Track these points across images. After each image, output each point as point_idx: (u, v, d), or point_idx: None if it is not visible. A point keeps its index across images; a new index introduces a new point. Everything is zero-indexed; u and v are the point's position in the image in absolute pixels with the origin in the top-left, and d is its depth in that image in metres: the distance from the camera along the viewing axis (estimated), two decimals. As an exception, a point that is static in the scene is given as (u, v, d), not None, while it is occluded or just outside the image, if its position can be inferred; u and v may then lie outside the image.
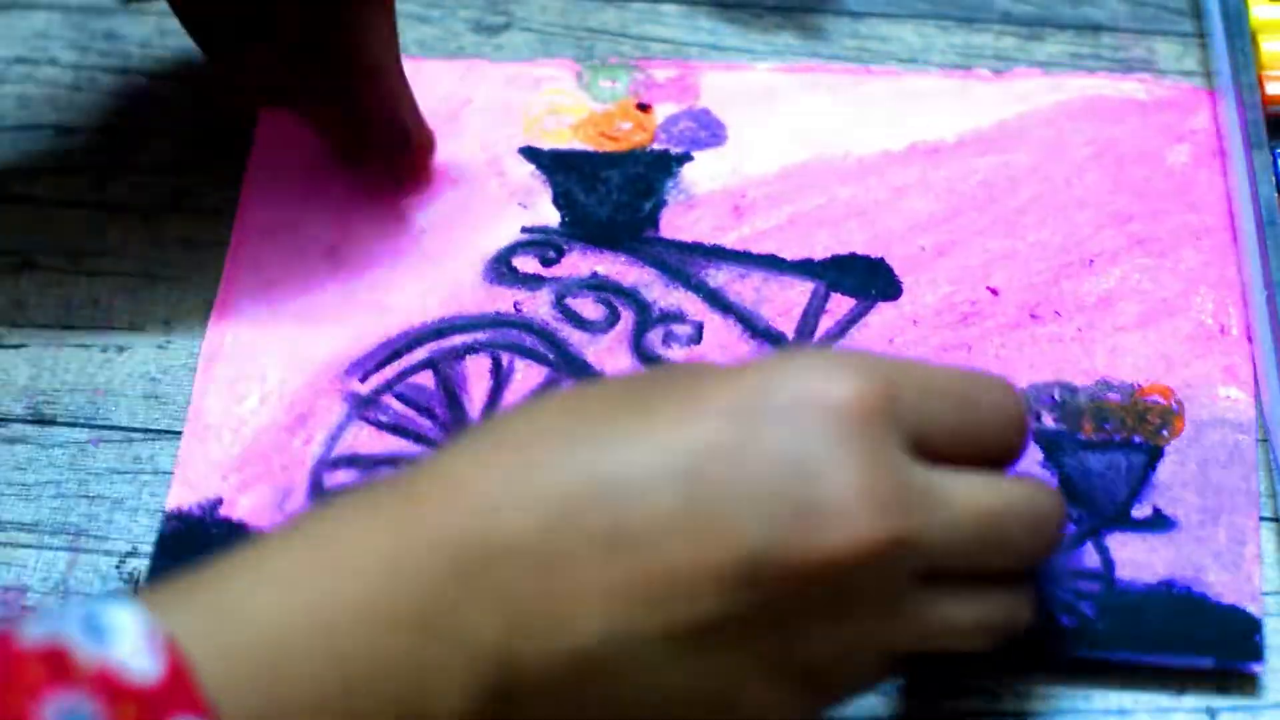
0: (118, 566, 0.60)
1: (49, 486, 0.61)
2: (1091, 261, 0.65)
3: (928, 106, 0.68)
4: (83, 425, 0.63)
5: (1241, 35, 0.66)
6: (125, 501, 0.61)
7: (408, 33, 0.69)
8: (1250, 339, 0.63)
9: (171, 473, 0.61)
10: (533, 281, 0.65)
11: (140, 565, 0.60)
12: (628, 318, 0.64)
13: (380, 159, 0.65)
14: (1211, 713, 0.57)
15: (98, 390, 0.63)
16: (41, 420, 0.63)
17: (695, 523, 0.46)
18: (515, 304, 0.64)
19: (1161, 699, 0.57)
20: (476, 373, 0.63)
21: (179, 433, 0.62)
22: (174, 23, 0.69)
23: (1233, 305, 0.64)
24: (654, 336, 0.63)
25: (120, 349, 0.64)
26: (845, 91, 0.69)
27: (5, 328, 0.65)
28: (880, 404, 0.48)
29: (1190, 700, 0.57)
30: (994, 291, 0.64)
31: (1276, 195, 0.62)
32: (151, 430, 0.62)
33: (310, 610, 0.44)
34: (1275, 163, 0.63)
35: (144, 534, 0.60)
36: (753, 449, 0.47)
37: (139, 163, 0.68)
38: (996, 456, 0.52)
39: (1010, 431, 0.52)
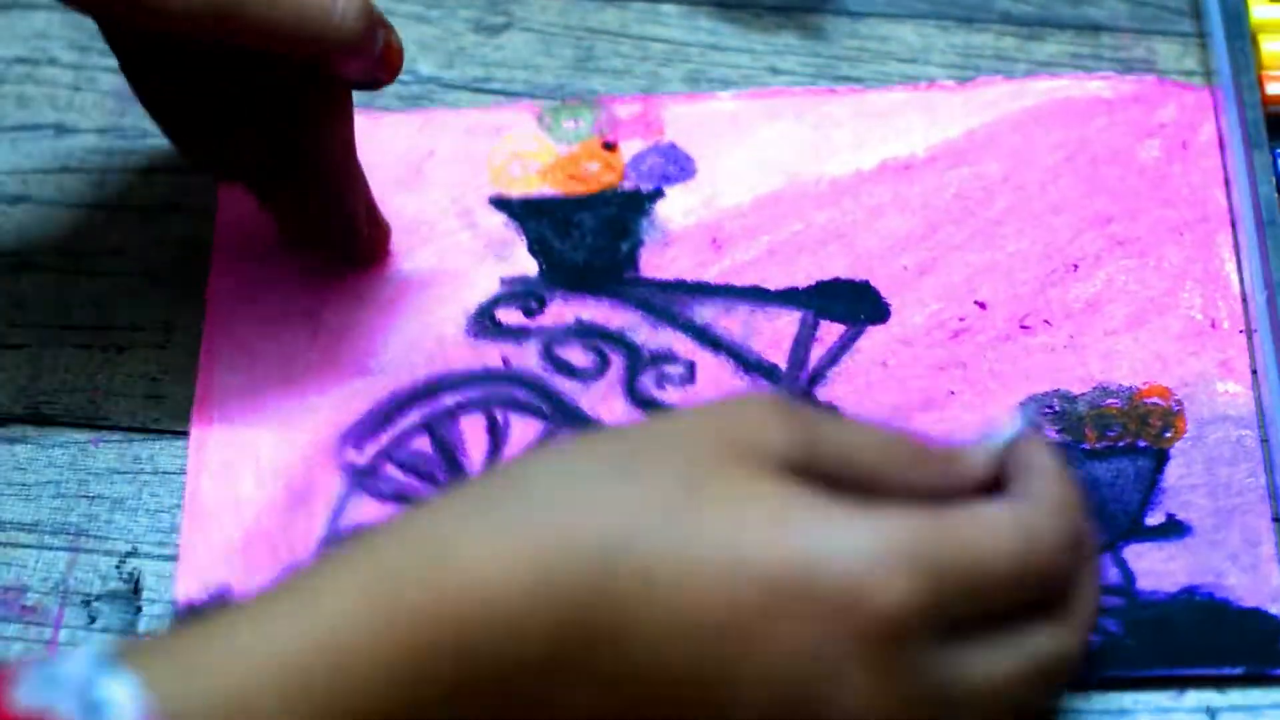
0: (118, 566, 0.60)
1: (49, 486, 0.62)
2: (1075, 267, 0.65)
3: (895, 123, 0.68)
4: (83, 425, 0.63)
5: (1241, 35, 0.66)
6: (125, 501, 0.61)
7: (408, 32, 0.69)
8: (1242, 331, 0.63)
9: (171, 472, 0.61)
10: (518, 334, 0.64)
11: (140, 565, 0.60)
12: (618, 363, 0.63)
13: (334, 249, 0.64)
14: (1211, 713, 0.57)
15: (98, 390, 0.63)
16: (41, 420, 0.63)
17: (699, 691, 0.45)
18: (503, 358, 0.63)
19: (1161, 699, 0.57)
20: (472, 432, 0.62)
21: (179, 432, 0.62)
22: None
23: (1221, 299, 0.64)
24: (647, 380, 0.63)
25: (120, 349, 0.64)
26: (810, 114, 0.68)
27: (5, 328, 0.65)
28: (918, 619, 0.45)
29: (1190, 700, 0.57)
30: (982, 305, 0.64)
31: (1276, 195, 0.62)
32: (151, 430, 0.62)
33: (286, 682, 0.43)
34: (1275, 163, 0.63)
35: (144, 534, 0.61)
36: (775, 638, 0.45)
37: (139, 163, 0.68)
38: None
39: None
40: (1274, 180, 0.63)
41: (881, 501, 0.47)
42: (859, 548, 0.45)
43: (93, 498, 0.61)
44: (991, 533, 0.47)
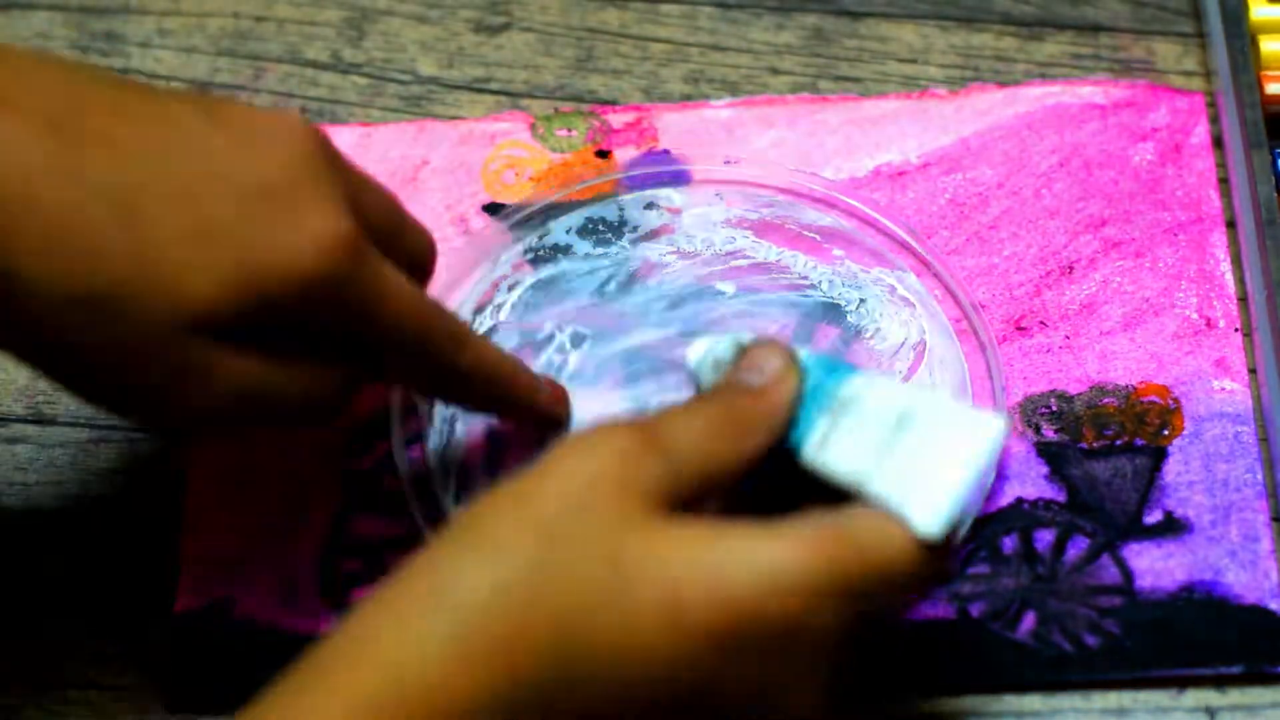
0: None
1: (49, 486, 0.61)
2: (1071, 269, 0.65)
3: (888, 130, 0.68)
4: (83, 425, 0.63)
5: (1241, 35, 0.66)
6: (125, 502, 0.61)
7: (408, 33, 0.70)
8: (1237, 330, 0.63)
9: (171, 473, 0.62)
10: (514, 340, 0.64)
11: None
12: (616, 367, 0.63)
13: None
14: (1211, 712, 0.57)
15: None
16: (41, 420, 0.63)
17: None
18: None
19: (1161, 699, 0.58)
20: (471, 440, 0.62)
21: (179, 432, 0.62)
22: (174, 22, 0.70)
23: (1216, 298, 0.64)
24: (648, 384, 0.63)
25: None
26: (803, 121, 0.68)
27: None
28: (847, 634, 0.49)
29: (1190, 700, 0.58)
30: (979, 307, 0.64)
31: (1276, 195, 0.62)
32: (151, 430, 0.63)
33: None
34: (1275, 163, 0.63)
35: (143, 533, 0.61)
36: (730, 682, 0.47)
37: None
38: None
39: None
40: (1274, 180, 0.63)
41: (778, 523, 0.49)
42: (789, 586, 0.48)
43: (93, 498, 0.61)
44: (908, 555, 0.49)
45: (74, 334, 0.48)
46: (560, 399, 0.61)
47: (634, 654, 0.46)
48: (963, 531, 0.55)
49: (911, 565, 0.49)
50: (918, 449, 0.50)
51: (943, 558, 0.50)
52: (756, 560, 0.47)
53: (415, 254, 0.56)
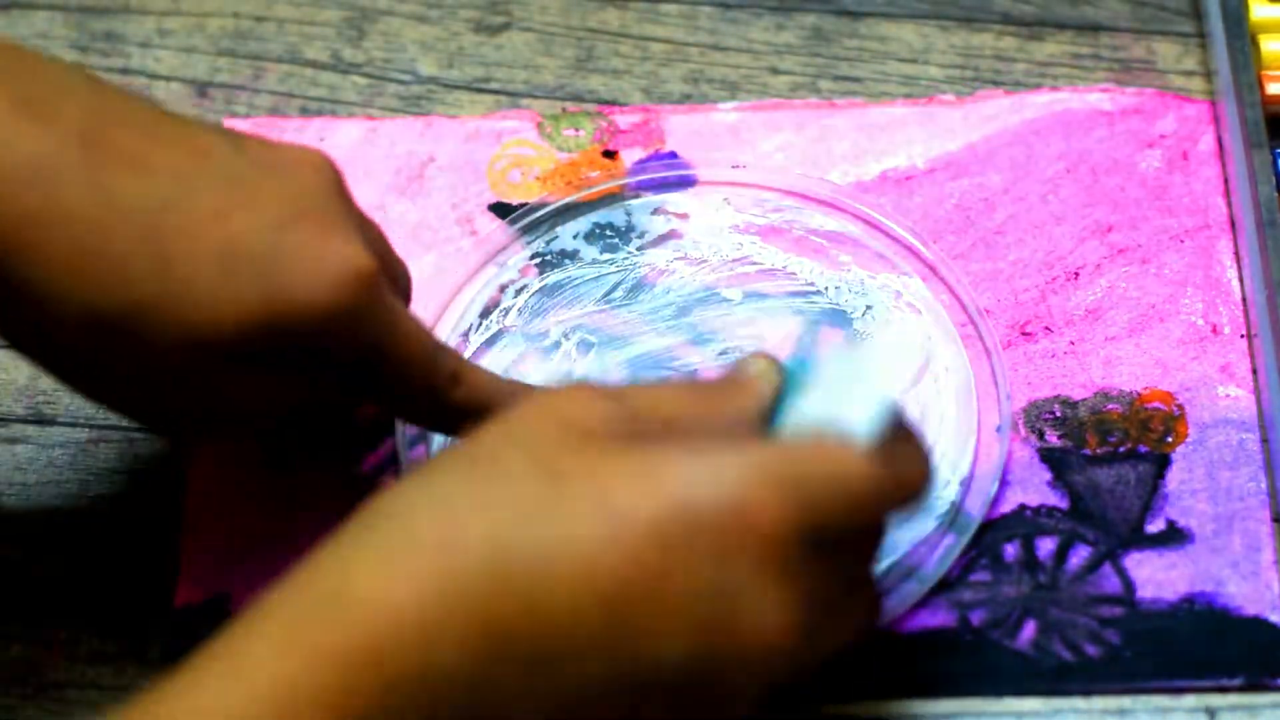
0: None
1: (49, 486, 0.61)
2: (1077, 274, 0.65)
3: (895, 135, 0.68)
4: (83, 425, 0.62)
5: (1241, 35, 0.66)
6: (126, 502, 0.61)
7: (408, 33, 0.70)
8: (1242, 336, 0.63)
9: (171, 472, 0.61)
10: (518, 340, 0.64)
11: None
12: (620, 370, 0.63)
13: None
14: (1211, 712, 0.57)
15: None
16: (41, 420, 0.63)
17: (620, 651, 0.46)
18: (503, 365, 0.63)
19: (1161, 699, 0.58)
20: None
21: None
22: (174, 22, 0.70)
23: (1222, 304, 0.64)
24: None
25: None
26: (810, 126, 0.68)
27: None
28: (797, 532, 0.47)
29: (1190, 700, 0.58)
30: (985, 313, 0.64)
31: (1276, 195, 0.62)
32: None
33: None
34: (1275, 163, 0.63)
35: (143, 533, 0.61)
36: (677, 579, 0.46)
37: None
38: None
39: None
40: (1274, 180, 0.63)
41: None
42: (729, 478, 0.46)
43: (93, 498, 0.61)
44: (848, 453, 0.48)
45: (92, 348, 0.50)
46: None
47: (574, 557, 0.45)
48: (931, 467, 0.53)
49: (858, 470, 0.48)
50: (853, 378, 0.50)
51: (891, 465, 0.49)
52: (695, 458, 0.47)
53: (402, 286, 0.57)
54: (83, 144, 0.49)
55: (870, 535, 0.51)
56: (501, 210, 0.66)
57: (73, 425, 0.62)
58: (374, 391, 0.55)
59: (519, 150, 0.68)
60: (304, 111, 0.69)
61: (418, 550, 0.46)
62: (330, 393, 0.55)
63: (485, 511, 0.46)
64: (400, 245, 0.65)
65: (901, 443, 0.50)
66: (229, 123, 0.68)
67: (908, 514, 0.52)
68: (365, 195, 0.66)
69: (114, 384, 0.52)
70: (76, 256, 0.48)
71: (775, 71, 0.70)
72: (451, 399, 0.55)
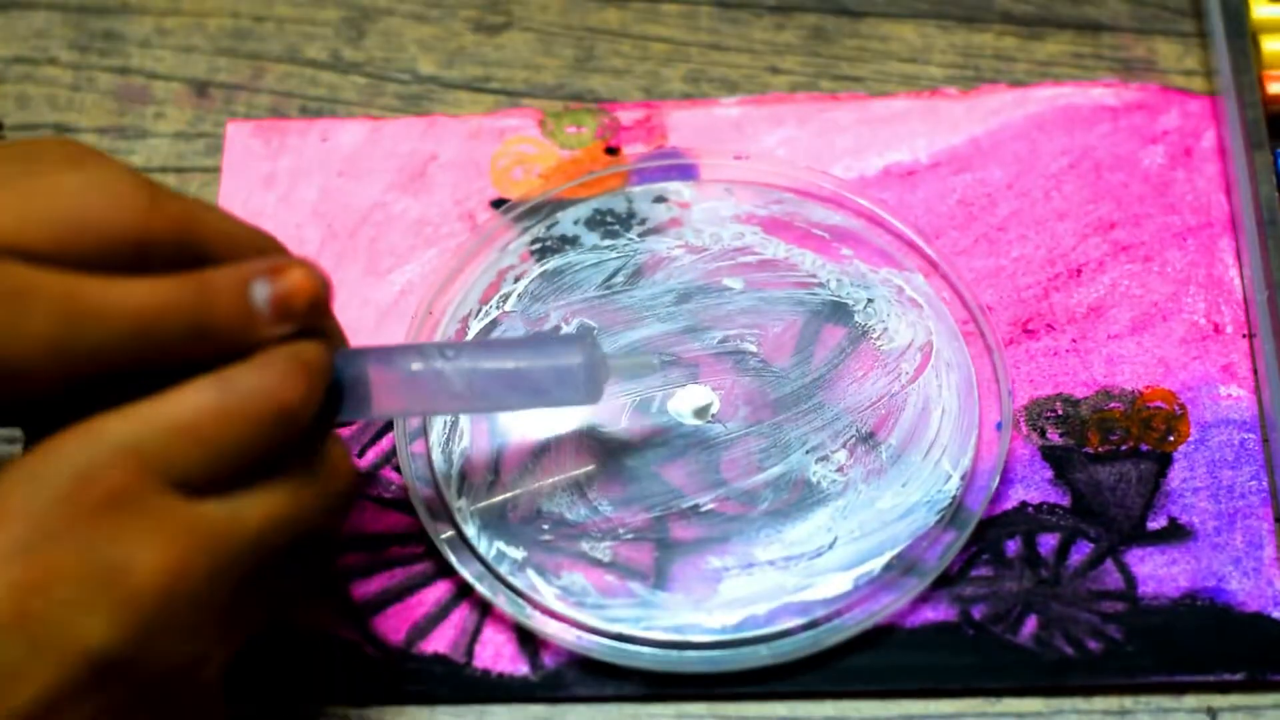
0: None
1: None
2: (1079, 271, 0.65)
3: (898, 129, 0.68)
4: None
5: (1242, 35, 0.66)
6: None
7: (408, 32, 0.70)
8: (1244, 335, 0.63)
9: None
10: (519, 336, 0.64)
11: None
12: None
13: None
14: (1212, 713, 0.57)
15: None
16: None
17: (34, 660, 0.47)
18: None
19: (1162, 699, 0.58)
20: (478, 435, 0.62)
21: None
22: (174, 22, 0.70)
23: (1224, 303, 0.64)
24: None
25: None
26: (813, 120, 0.68)
27: None
28: (139, 480, 0.48)
29: (1190, 700, 0.58)
30: (987, 309, 0.64)
31: (1277, 195, 0.62)
32: None
33: None
34: (1275, 163, 0.63)
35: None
36: (56, 570, 0.47)
37: (137, 163, 0.68)
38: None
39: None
40: (1274, 180, 0.63)
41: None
42: (68, 464, 0.48)
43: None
44: (186, 394, 0.49)
45: None
46: None
47: None
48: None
49: (204, 409, 0.49)
50: None
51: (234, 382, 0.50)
52: (29, 463, 0.48)
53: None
54: None
55: (253, 438, 0.50)
56: (504, 207, 0.66)
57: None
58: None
59: (521, 148, 0.68)
60: (303, 111, 0.69)
61: None
62: (169, 289, 0.52)
63: None
64: (402, 240, 0.66)
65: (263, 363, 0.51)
66: (229, 122, 0.69)
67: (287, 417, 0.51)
68: (368, 193, 0.67)
69: None
70: None
71: (775, 71, 0.69)
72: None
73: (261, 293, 0.51)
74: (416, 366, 0.55)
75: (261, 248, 0.53)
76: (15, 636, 0.46)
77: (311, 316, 0.52)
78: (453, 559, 0.59)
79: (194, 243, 0.51)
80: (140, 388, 0.50)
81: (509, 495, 0.61)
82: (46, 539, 0.47)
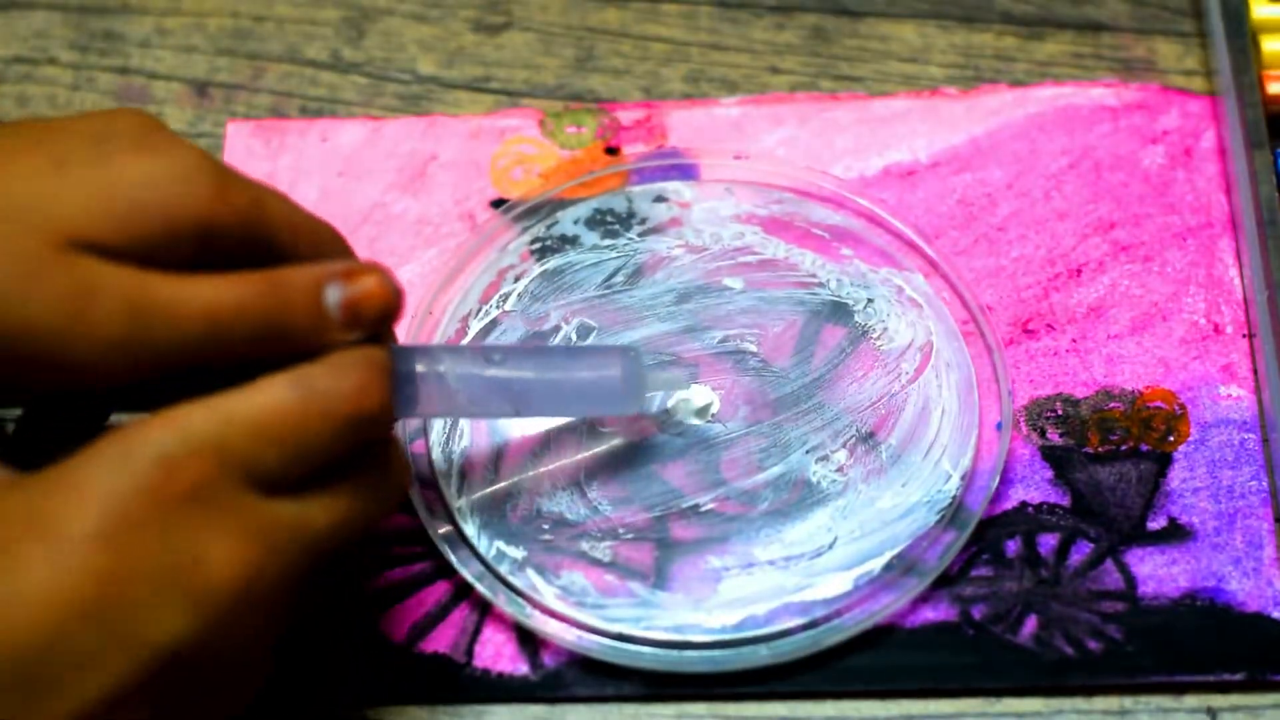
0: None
1: None
2: (1079, 271, 0.65)
3: (898, 129, 0.68)
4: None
5: (1242, 35, 0.66)
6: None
7: (407, 32, 0.70)
8: (1245, 335, 0.63)
9: None
10: (520, 336, 0.64)
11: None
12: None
13: None
14: (1212, 713, 0.57)
15: None
16: None
17: (107, 650, 0.46)
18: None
19: (1162, 699, 0.58)
20: (476, 435, 0.62)
21: None
22: (173, 22, 0.70)
23: (1224, 303, 0.64)
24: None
25: None
26: (813, 120, 0.68)
27: None
28: (211, 471, 0.48)
29: (1190, 700, 0.58)
30: (987, 309, 0.64)
31: (1277, 195, 0.62)
32: None
33: None
34: (1275, 162, 0.63)
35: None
36: (136, 565, 0.47)
37: None
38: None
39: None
40: (1274, 180, 0.63)
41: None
42: (141, 457, 0.48)
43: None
44: (267, 392, 0.50)
45: None
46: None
47: (25, 599, 0.46)
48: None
49: (283, 410, 0.49)
50: None
51: (318, 380, 0.50)
52: (109, 451, 0.48)
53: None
54: None
55: (330, 440, 0.50)
56: (504, 207, 0.66)
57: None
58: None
59: (521, 148, 0.68)
60: (303, 111, 0.69)
61: None
62: (236, 286, 0.52)
63: None
64: (402, 240, 0.66)
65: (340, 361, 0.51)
66: (229, 123, 0.69)
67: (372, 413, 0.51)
68: (368, 193, 0.67)
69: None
70: None
71: (775, 71, 0.70)
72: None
73: (334, 297, 0.51)
74: (464, 370, 0.55)
75: (326, 240, 0.54)
76: (90, 625, 0.46)
77: (381, 324, 0.52)
78: (452, 558, 0.59)
79: (260, 233, 0.51)
80: (206, 380, 0.50)
81: (507, 483, 0.61)
82: (127, 526, 0.47)
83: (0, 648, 0.45)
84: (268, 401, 0.49)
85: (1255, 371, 0.62)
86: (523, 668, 0.59)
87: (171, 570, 0.47)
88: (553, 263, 0.65)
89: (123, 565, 0.46)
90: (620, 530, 0.60)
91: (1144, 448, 0.61)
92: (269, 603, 0.49)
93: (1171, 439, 0.61)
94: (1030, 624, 0.59)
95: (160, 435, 0.48)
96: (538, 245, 0.65)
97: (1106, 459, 0.61)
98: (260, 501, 0.49)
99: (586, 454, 0.61)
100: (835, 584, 0.59)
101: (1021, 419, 0.62)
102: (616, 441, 0.62)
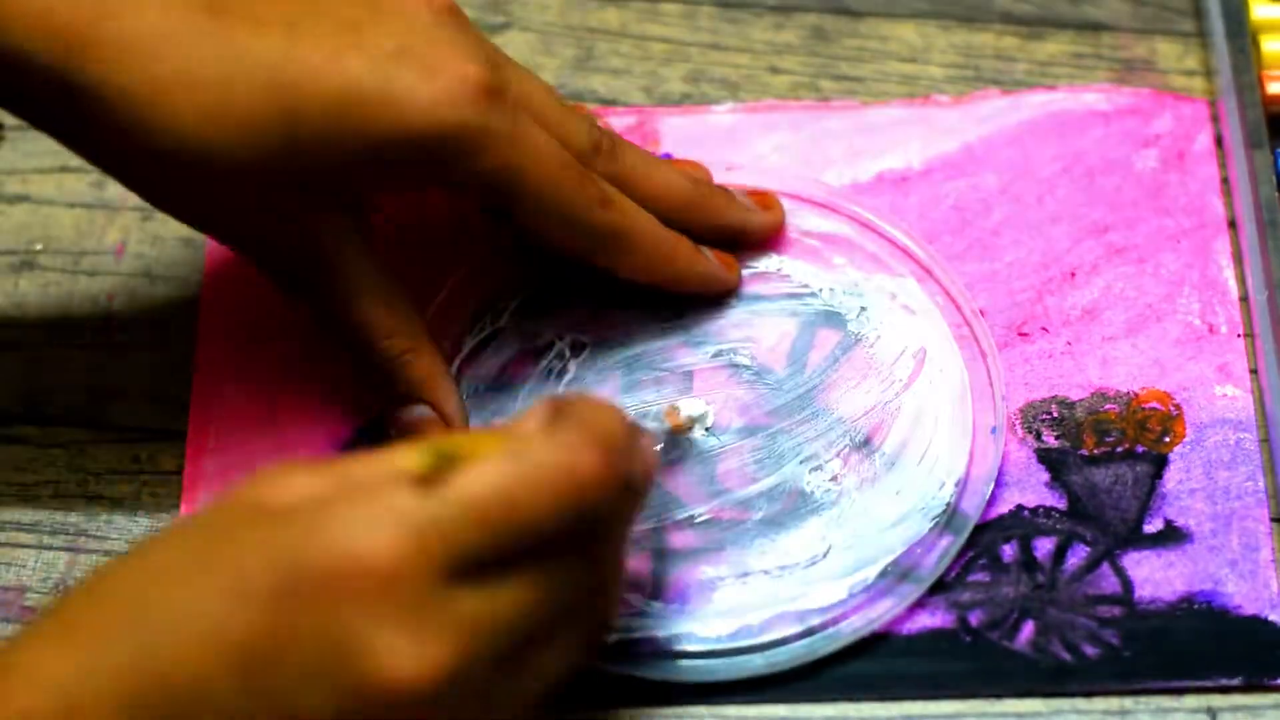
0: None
1: (49, 486, 0.62)
2: (1073, 274, 0.64)
3: (891, 135, 0.68)
4: (83, 425, 0.63)
5: (1242, 35, 0.66)
6: (125, 501, 0.61)
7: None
8: (1239, 335, 0.63)
9: (171, 472, 0.62)
10: (514, 342, 0.63)
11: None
12: (617, 371, 0.63)
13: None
14: (1212, 713, 0.57)
15: (97, 390, 0.63)
16: (41, 420, 0.63)
17: (253, 709, 0.45)
18: (500, 367, 0.63)
19: (1162, 699, 0.58)
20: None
21: (179, 433, 0.62)
22: None
23: (1218, 304, 0.64)
24: (647, 386, 0.62)
25: (120, 349, 0.64)
26: (806, 127, 0.68)
27: (5, 328, 0.65)
28: (413, 560, 0.46)
29: (1191, 700, 0.58)
30: (980, 314, 0.63)
31: (1277, 195, 0.62)
32: (151, 430, 0.62)
33: None
34: (1275, 162, 0.63)
35: (144, 534, 0.61)
36: (295, 634, 0.45)
37: None
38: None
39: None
40: (1274, 180, 0.62)
41: None
42: (343, 530, 0.46)
43: (92, 498, 0.61)
44: (483, 471, 0.48)
45: (210, 193, 0.55)
46: (730, 264, 0.63)
47: (200, 632, 0.45)
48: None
49: (488, 484, 0.47)
50: None
51: (549, 455, 0.48)
52: (323, 514, 0.47)
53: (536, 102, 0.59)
54: (208, 10, 0.53)
55: (566, 538, 0.49)
56: (497, 212, 0.66)
57: (72, 425, 0.63)
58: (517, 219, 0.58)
59: (514, 155, 0.68)
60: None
61: (76, 628, 0.46)
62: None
63: (136, 591, 0.46)
64: (395, 248, 0.65)
65: (568, 428, 0.49)
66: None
67: (628, 504, 0.51)
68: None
69: (220, 215, 0.57)
70: (205, 120, 0.52)
71: (775, 71, 0.69)
72: (597, 223, 0.59)
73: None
74: None
75: None
76: (234, 684, 0.45)
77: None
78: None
79: None
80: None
81: None
82: (297, 594, 0.45)
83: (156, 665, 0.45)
84: (484, 482, 0.47)
85: (1253, 371, 0.62)
86: (517, 678, 0.59)
87: (331, 653, 0.45)
88: (550, 270, 0.65)
89: (284, 632, 0.45)
90: (615, 539, 0.60)
91: (1140, 449, 0.61)
92: (435, 704, 0.46)
93: (1167, 440, 0.61)
94: (1027, 630, 0.58)
95: (365, 512, 0.46)
96: (533, 255, 0.65)
97: (1102, 461, 0.61)
98: (448, 596, 0.46)
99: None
100: (831, 592, 0.59)
101: (1017, 422, 0.62)
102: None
